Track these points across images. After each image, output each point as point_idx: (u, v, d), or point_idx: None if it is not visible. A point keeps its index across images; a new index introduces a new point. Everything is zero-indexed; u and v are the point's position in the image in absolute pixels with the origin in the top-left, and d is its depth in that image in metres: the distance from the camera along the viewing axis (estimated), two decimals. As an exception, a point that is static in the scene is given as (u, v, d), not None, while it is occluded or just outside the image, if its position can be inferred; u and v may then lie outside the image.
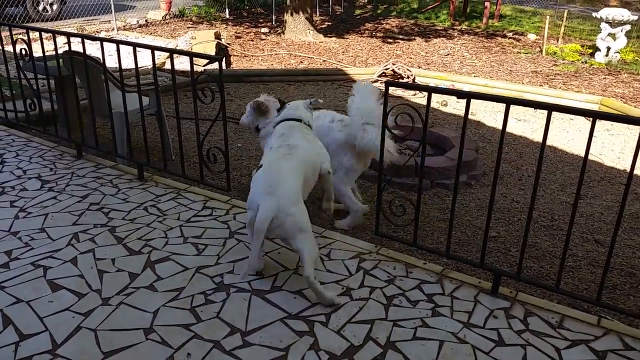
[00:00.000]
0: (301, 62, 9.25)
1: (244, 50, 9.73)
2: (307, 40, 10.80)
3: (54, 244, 2.89)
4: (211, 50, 8.83)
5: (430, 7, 15.26)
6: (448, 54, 10.04)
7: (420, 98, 7.06)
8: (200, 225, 3.18)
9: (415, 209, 2.89)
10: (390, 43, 10.94)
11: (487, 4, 13.42)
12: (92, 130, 3.95)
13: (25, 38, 3.88)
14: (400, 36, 11.71)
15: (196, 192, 3.63)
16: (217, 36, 9.38)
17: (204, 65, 8.24)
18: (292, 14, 11.01)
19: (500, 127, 2.66)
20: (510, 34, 12.30)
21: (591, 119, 2.30)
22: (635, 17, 9.59)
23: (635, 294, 3.10)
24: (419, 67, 8.90)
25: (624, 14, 9.47)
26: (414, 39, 11.39)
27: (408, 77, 7.95)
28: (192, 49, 8.84)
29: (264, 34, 11.37)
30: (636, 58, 9.77)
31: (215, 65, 8.45)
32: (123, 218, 3.19)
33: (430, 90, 2.77)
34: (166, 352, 2.15)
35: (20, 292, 2.47)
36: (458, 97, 2.77)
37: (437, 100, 6.96)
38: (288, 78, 8.04)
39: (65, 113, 4.28)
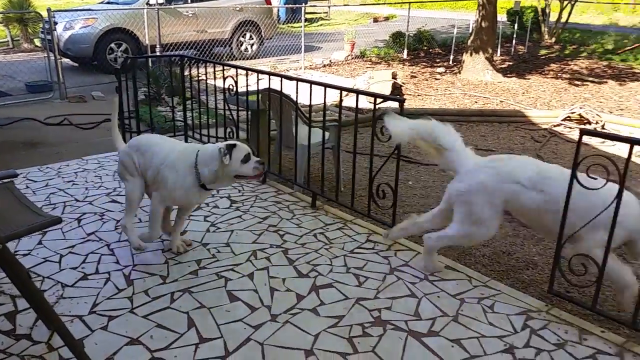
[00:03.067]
0: (475, 102, 9.06)
1: (418, 90, 9.87)
2: (485, 80, 10.55)
3: (235, 258, 3.24)
4: (387, 89, 9.15)
5: (629, 48, 13.78)
6: (648, 99, 8.95)
7: (609, 147, 6.39)
8: (363, 257, 3.30)
9: (600, 270, 2.62)
10: (577, 85, 10.14)
11: (703, 43, 11.69)
12: (278, 159, 4.38)
13: (234, 74, 4.48)
14: (590, 78, 10.78)
15: (361, 224, 3.77)
16: (394, 76, 9.69)
17: (378, 104, 8.55)
18: (471, 54, 10.89)
19: None
20: None
21: None
22: None
23: None
24: (610, 112, 8.09)
25: None
26: (606, 82, 10.39)
27: (597, 123, 7.27)
28: (369, 87, 9.26)
29: (439, 73, 11.41)
30: None
31: (389, 103, 8.73)
32: (295, 242, 3.46)
33: (633, 141, 2.51)
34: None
35: (204, 299, 2.81)
36: None
37: (636, 152, 6.22)
38: (460, 118, 7.93)
39: (257, 142, 4.81)
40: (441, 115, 8.04)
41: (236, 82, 4.49)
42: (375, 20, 22.43)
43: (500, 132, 7.35)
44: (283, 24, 17.18)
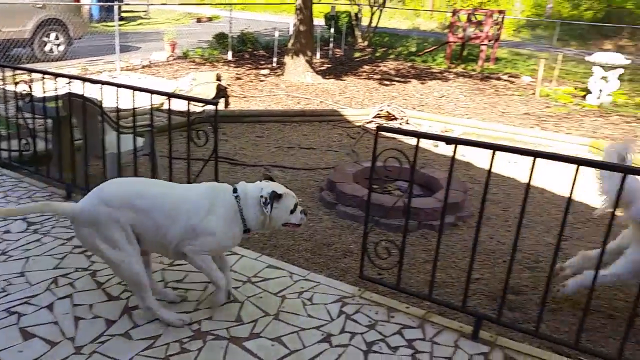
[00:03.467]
0: (298, 102, 9.43)
1: (243, 91, 9.93)
2: (306, 82, 11.03)
3: (31, 289, 2.86)
4: (211, 91, 9.02)
5: (428, 50, 15.61)
6: (442, 96, 10.22)
7: (411, 139, 7.15)
8: (182, 269, 3.18)
9: (400, 251, 2.90)
10: (386, 85, 11.16)
11: (483, 48, 13.74)
12: (84, 170, 4.01)
13: (28, 79, 3.98)
14: (397, 78, 11.95)
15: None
16: (218, 78, 9.59)
17: (203, 106, 8.40)
18: (292, 57, 11.28)
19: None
20: (505, 77, 12.54)
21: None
22: (628, 62, 9.78)
23: (616, 336, 3.06)
24: (414, 108, 9.06)
25: (616, 58, 9.68)
26: (410, 81, 11.62)
27: (402, 118, 8.07)
28: (192, 89, 9.04)
29: (264, 75, 11.63)
30: (627, 100, 9.91)
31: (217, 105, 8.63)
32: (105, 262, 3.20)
33: (419, 135, 2.84)
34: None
35: (-10, 341, 2.42)
36: (447, 143, 2.83)
37: (429, 141, 7.05)
38: (284, 119, 8.17)
39: (59, 153, 4.36)
40: (265, 116, 8.22)
41: (30, 87, 4.01)
42: (199, 20, 22.01)
43: (320, 130, 7.75)
44: (97, 22, 15.90)
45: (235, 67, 12.39)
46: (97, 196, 2.48)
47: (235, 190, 2.66)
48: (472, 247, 2.69)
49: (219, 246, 2.64)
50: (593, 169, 2.84)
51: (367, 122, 8.11)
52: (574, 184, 2.37)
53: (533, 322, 3.14)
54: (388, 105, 8.30)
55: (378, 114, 8.18)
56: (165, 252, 2.66)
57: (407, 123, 8.12)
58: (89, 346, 2.45)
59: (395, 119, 8.07)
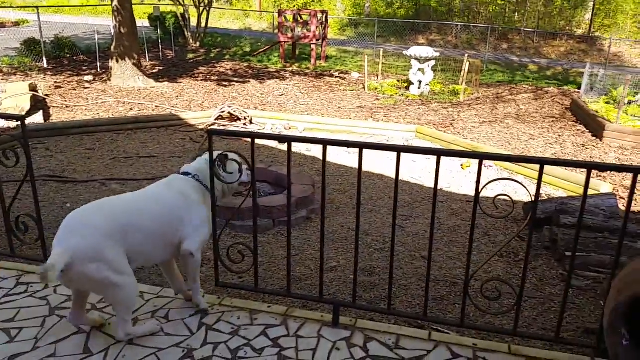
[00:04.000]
0: (131, 109, 8.84)
1: (65, 101, 9.00)
2: (137, 86, 10.39)
3: None
4: (25, 104, 8.00)
5: (262, 50, 15.81)
6: (282, 95, 10.43)
7: (257, 139, 7.17)
8: (14, 305, 2.78)
9: (253, 252, 2.86)
10: (225, 86, 11.02)
11: (313, 46, 14.32)
12: None
13: None
14: (235, 79, 11.89)
15: (7, 267, 3.17)
16: (33, 88, 8.56)
17: (16, 121, 7.41)
18: (117, 60, 10.53)
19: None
20: (336, 74, 13.24)
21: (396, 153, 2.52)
22: (437, 54, 10.98)
23: (460, 302, 3.41)
24: (256, 108, 9.09)
25: (428, 51, 10.80)
26: (249, 81, 11.65)
27: (245, 119, 8.05)
28: (1, 103, 7.92)
29: (87, 82, 10.68)
30: (443, 89, 11.16)
31: (35, 119, 7.67)
32: None
33: (254, 136, 2.81)
34: None
35: None
36: (280, 142, 2.86)
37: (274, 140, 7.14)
38: (117, 127, 7.60)
39: None
40: (94, 126, 7.55)
41: None
42: (2, 25, 19.45)
43: (159, 137, 7.37)
44: None
45: (53, 74, 11.19)
46: (88, 228, 2.35)
47: (186, 174, 2.72)
48: (320, 238, 2.76)
49: (209, 232, 2.73)
50: (413, 154, 3.09)
51: (210, 125, 7.92)
52: (397, 170, 2.56)
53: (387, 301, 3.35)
54: (229, 107, 8.21)
55: (220, 116, 8.05)
56: (158, 260, 2.72)
57: (251, 123, 8.12)
58: None
59: (239, 119, 8.01)
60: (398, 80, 11.90)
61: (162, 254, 2.66)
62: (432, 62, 10.81)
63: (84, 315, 2.57)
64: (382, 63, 12.70)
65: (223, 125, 7.97)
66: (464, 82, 10.85)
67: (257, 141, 7.02)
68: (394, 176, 6.11)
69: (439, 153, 2.49)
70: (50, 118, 8.17)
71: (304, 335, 2.64)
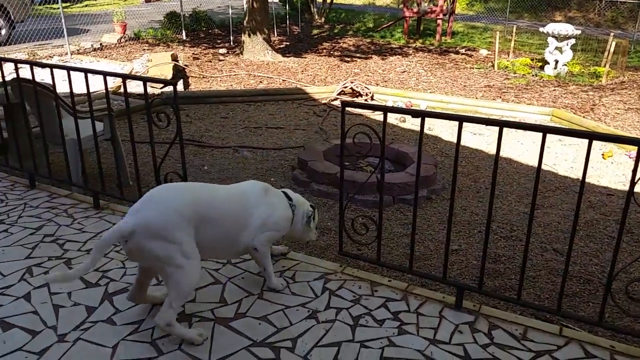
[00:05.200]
0: (260, 82, 9.26)
1: (202, 72, 9.66)
2: (266, 60, 10.84)
3: (4, 280, 2.75)
4: (168, 72, 8.73)
5: (385, 25, 15.60)
6: (404, 71, 10.26)
7: (379, 115, 7.16)
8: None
9: (378, 226, 2.90)
10: (347, 62, 11.09)
11: (439, 21, 13.83)
12: (45, 158, 3.82)
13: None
14: (358, 55, 11.90)
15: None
16: (174, 58, 9.29)
17: (161, 88, 8.13)
18: (249, 35, 11.04)
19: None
20: (462, 50, 12.69)
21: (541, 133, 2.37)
22: (579, 32, 10.06)
23: (594, 301, 3.19)
24: (377, 84, 9.05)
25: (568, 28, 9.92)
26: (371, 57, 11.59)
27: (367, 95, 8.06)
28: (148, 71, 8.72)
29: (222, 54, 11.34)
30: (582, 70, 10.22)
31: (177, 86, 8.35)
32: (79, 249, 3.07)
33: (386, 109, 2.80)
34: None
35: (-32, 334, 2.33)
36: (413, 117, 2.79)
37: (395, 117, 7.08)
38: (248, 98, 8.02)
39: (15, 141, 4.13)
40: (228, 96, 8.04)
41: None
42: (148, 0, 21.23)
43: (286, 109, 7.65)
44: (39, 4, 15.06)
45: (191, 46, 12.03)
46: (165, 204, 2.30)
47: (288, 197, 2.85)
48: (447, 218, 2.70)
49: (272, 237, 2.77)
50: (558, 136, 2.88)
51: (332, 100, 8.06)
52: (542, 152, 2.40)
53: (513, 290, 3.23)
54: (351, 82, 8.26)
55: (342, 91, 8.14)
56: (224, 255, 2.85)
57: (372, 99, 8.12)
58: (72, 334, 2.36)
59: (360, 95, 8.05)
60: (532, 59, 11.11)
61: (225, 255, 2.82)
62: (572, 41, 9.92)
63: (143, 295, 2.53)
64: (515, 40, 11.92)
65: (344, 101, 8.06)
66: (607, 63, 9.84)
67: (378, 117, 7.01)
68: (524, 161, 5.81)
69: (591, 136, 2.30)
70: (189, 87, 8.85)
71: (425, 313, 2.64)
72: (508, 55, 11.64)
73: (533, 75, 9.85)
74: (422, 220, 4.18)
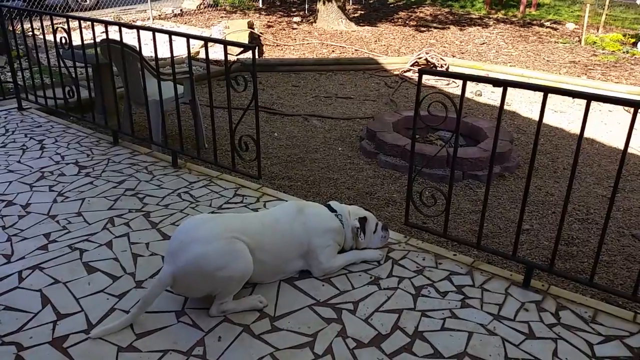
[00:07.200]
0: (333, 51, 9.22)
1: (276, 40, 9.75)
2: (340, 29, 10.75)
3: (90, 228, 2.98)
4: (244, 39, 8.89)
5: (466, -5, 14.95)
6: (483, 43, 9.83)
7: (454, 88, 6.95)
8: (232, 212, 3.22)
9: (447, 199, 2.85)
10: (423, 32, 10.78)
11: (524, -9, 13.07)
12: (128, 117, 4.05)
13: (66, 27, 3.98)
14: (434, 25, 11.52)
15: (228, 179, 3.67)
16: (250, 25, 9.43)
17: (237, 55, 8.31)
18: (324, 3, 10.96)
19: (536, 118, 2.59)
20: (547, 23, 11.95)
21: (632, 109, 2.21)
22: (683, 5, 9.18)
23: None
24: (453, 56, 8.76)
25: (670, 1, 9.08)
26: (448, 28, 11.19)
27: (442, 67, 7.83)
28: (225, 38, 8.92)
29: (296, 23, 11.37)
30: (682, 48, 9.37)
31: (249, 54, 8.52)
32: (157, 204, 3.27)
33: (465, 78, 2.70)
34: (197, 334, 2.20)
35: (57, 274, 2.56)
36: (494, 85, 2.67)
37: (471, 90, 6.85)
38: (320, 67, 8.03)
39: (102, 100, 4.39)
40: (300, 65, 8.08)
41: (69, 34, 3.99)
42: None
43: (357, 79, 7.60)
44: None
45: (266, 14, 12.14)
46: (227, 232, 2.28)
47: (332, 210, 2.74)
48: (522, 196, 2.61)
49: (334, 262, 2.67)
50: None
51: (405, 71, 7.90)
52: (630, 130, 2.25)
53: (585, 274, 3.10)
54: (426, 53, 8.05)
55: (416, 62, 7.95)
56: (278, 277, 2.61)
57: (448, 71, 7.88)
58: (148, 281, 2.53)
59: (435, 67, 7.83)
60: (624, 35, 10.29)
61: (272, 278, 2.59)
62: (674, 15, 9.08)
63: None
64: (607, 14, 11.06)
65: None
66: None
67: (451, 90, 6.81)
68: (606, 142, 5.47)
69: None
70: (263, 55, 8.97)
71: (490, 289, 2.60)
72: (597, 30, 10.84)
73: (624, 52, 9.14)
74: (492, 198, 4.08)
